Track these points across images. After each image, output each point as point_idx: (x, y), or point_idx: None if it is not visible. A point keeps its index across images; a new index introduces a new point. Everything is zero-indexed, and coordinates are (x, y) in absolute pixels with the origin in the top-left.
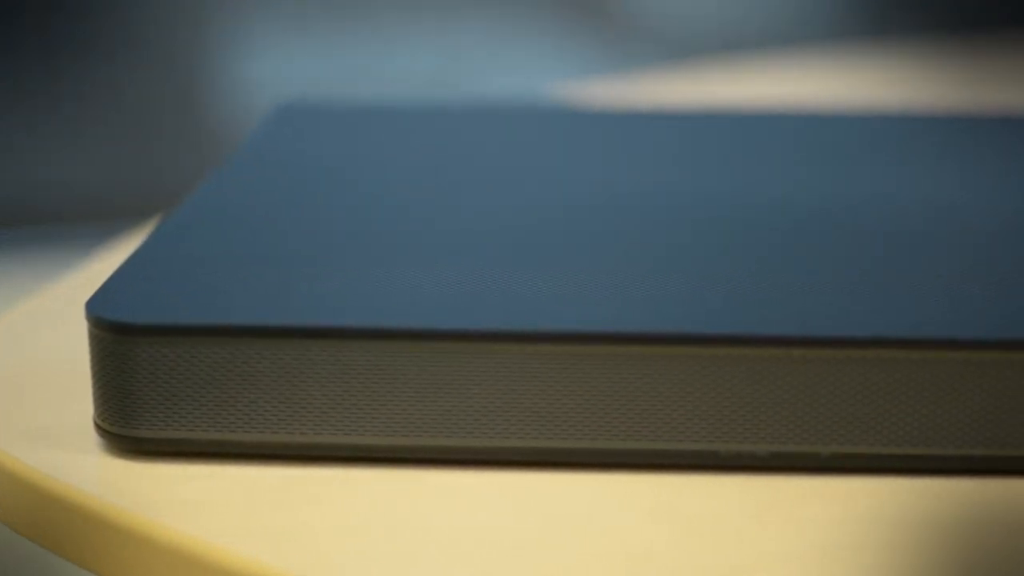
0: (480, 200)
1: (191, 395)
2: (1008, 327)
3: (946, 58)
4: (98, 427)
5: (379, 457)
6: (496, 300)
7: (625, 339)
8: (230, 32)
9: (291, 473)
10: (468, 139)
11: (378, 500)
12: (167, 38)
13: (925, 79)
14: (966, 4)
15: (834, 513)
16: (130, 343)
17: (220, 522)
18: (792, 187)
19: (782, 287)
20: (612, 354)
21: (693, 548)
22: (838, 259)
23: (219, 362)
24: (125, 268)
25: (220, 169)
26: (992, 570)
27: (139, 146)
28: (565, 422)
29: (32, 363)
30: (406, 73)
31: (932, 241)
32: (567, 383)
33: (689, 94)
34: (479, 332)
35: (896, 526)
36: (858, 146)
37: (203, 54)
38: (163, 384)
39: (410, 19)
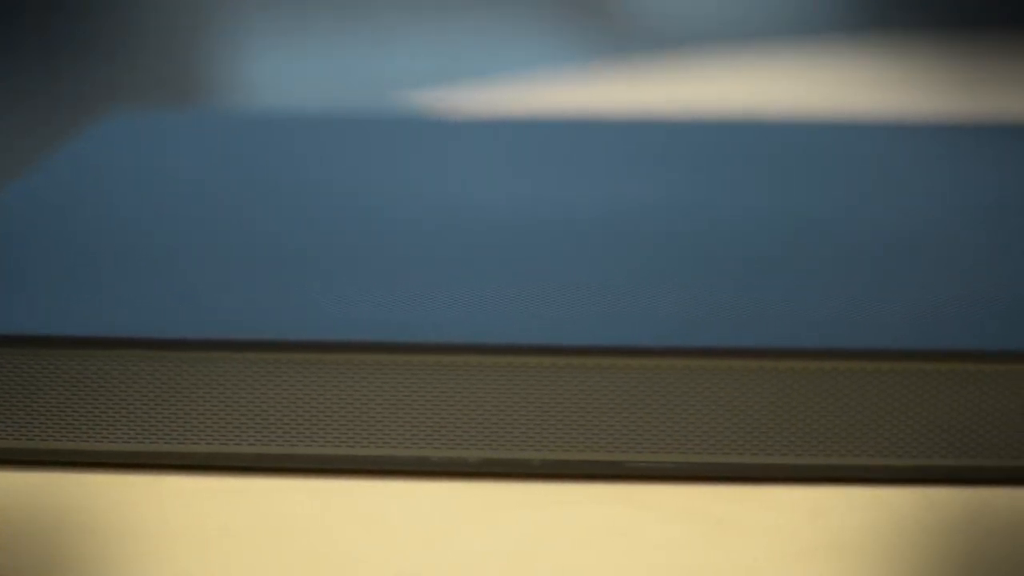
0: (304, 212)
1: None
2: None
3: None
4: None
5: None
6: (290, 310)
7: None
8: (230, 33)
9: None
10: (318, 149)
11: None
12: (167, 39)
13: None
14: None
15: (542, 520)
16: None
17: None
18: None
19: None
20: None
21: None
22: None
23: None
24: None
25: (23, 179)
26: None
27: None
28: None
29: None
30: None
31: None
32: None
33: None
34: (242, 342)
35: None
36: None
37: (203, 55)
38: None
39: (409, 20)
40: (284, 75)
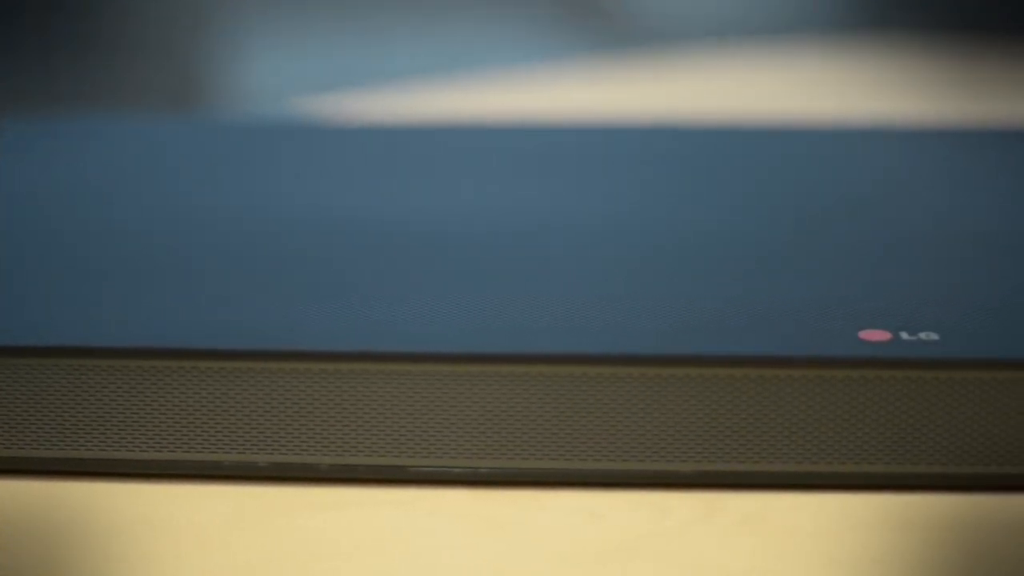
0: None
1: None
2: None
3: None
4: None
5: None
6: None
7: None
8: (230, 34)
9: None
10: (200, 159)
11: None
12: (166, 40)
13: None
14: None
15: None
16: None
17: None
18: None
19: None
20: None
21: None
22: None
23: None
24: None
25: None
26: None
27: None
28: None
29: None
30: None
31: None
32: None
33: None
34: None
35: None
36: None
37: (202, 57)
38: None
39: (409, 20)
40: (284, 78)
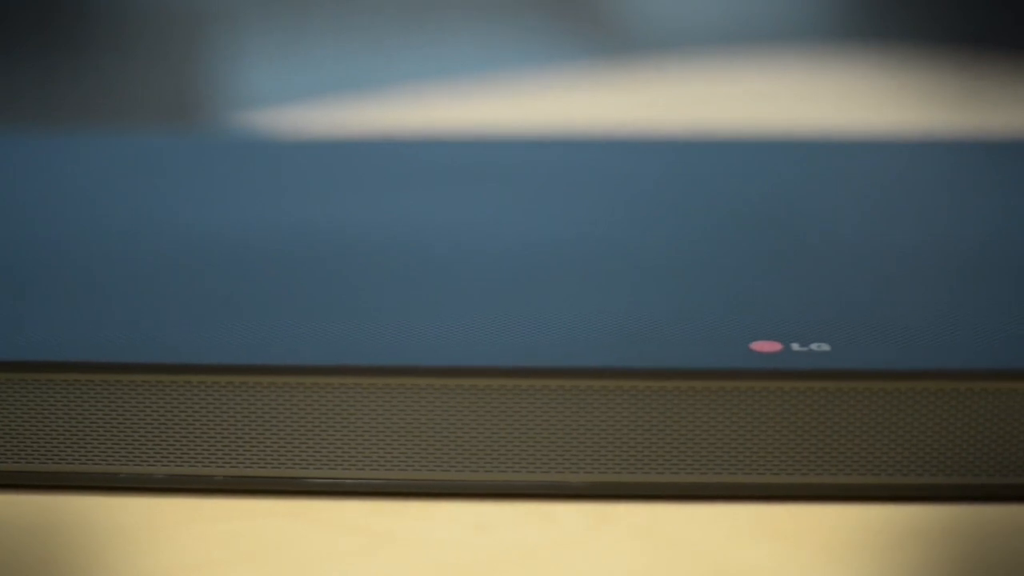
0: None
1: None
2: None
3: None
4: None
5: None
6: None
7: None
8: (227, 43)
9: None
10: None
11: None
12: (165, 45)
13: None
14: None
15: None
16: None
17: None
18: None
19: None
20: None
21: None
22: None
23: None
24: None
25: None
26: None
27: None
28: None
29: None
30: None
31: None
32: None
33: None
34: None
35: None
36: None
37: (201, 63)
38: None
39: (399, 30)
40: (282, 86)
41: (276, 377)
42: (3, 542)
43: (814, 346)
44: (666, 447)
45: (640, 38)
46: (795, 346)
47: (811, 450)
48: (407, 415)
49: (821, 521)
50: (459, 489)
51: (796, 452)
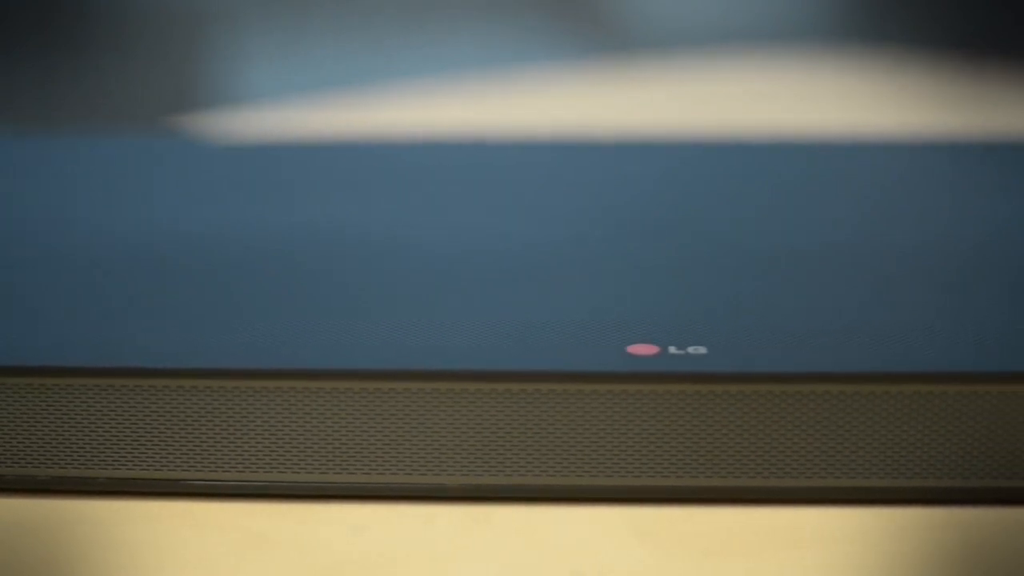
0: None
1: None
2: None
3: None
4: None
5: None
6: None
7: None
8: (227, 43)
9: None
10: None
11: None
12: (165, 45)
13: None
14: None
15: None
16: None
17: None
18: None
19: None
20: None
21: None
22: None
23: None
24: None
25: None
26: None
27: None
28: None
29: None
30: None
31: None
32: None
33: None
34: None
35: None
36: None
37: (201, 63)
38: None
39: (405, 29)
40: (282, 86)
41: (156, 380)
42: None
43: (691, 349)
44: (541, 448)
45: (640, 38)
46: (672, 349)
47: (682, 451)
48: (282, 418)
49: (700, 524)
50: (336, 491)
51: (674, 455)
